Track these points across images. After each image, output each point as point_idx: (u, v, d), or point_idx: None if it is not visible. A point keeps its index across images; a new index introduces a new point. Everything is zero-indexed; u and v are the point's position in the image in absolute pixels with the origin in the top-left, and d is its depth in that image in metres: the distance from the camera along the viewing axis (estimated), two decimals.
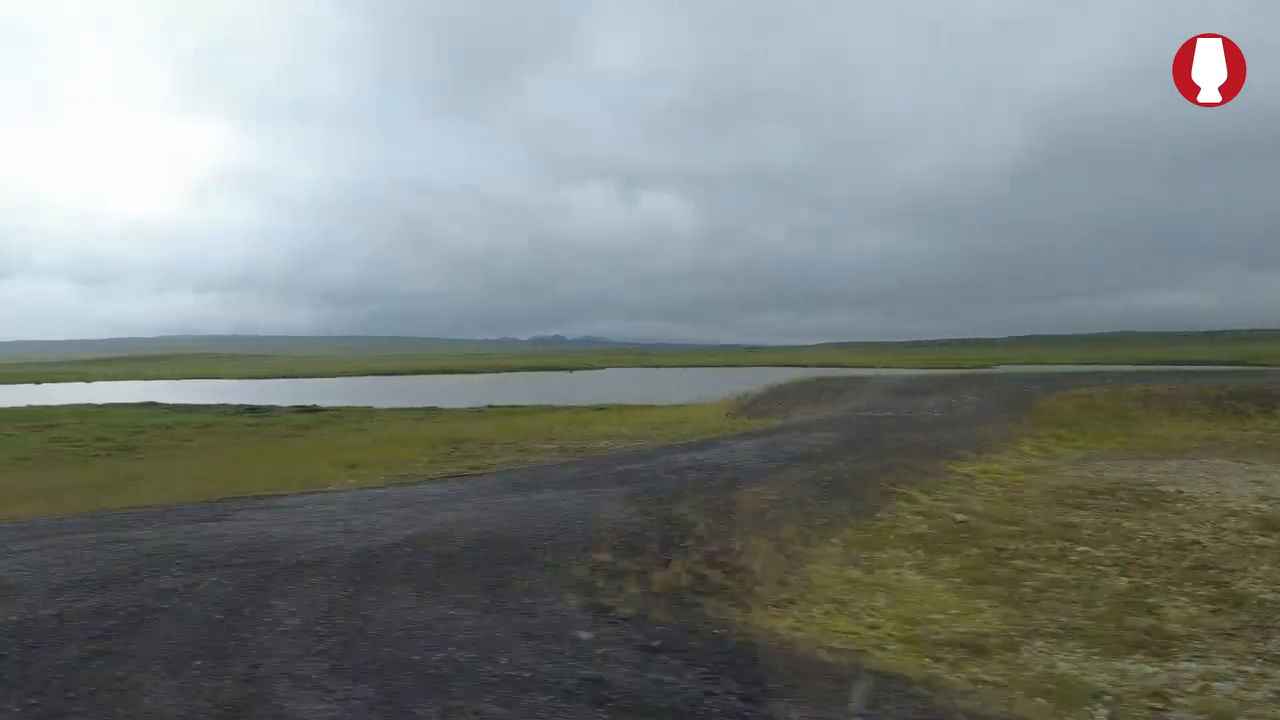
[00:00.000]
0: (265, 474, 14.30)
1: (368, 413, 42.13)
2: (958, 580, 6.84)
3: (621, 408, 37.11)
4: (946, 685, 4.17)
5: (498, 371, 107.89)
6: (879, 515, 8.99)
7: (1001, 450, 14.87)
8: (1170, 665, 4.68)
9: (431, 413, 40.49)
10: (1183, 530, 8.44)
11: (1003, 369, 57.82)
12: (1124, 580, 6.66)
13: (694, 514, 7.52)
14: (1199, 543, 7.88)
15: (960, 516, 9.16)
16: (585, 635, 4.10)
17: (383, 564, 5.39)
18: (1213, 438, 17.60)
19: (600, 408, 38.31)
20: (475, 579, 5.09)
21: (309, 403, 47.82)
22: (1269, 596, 6.13)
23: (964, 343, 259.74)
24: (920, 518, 9.10)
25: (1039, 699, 4.07)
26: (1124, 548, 7.80)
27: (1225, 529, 8.49)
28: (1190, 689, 4.32)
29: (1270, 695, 4.27)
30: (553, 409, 38.67)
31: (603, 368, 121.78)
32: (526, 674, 3.57)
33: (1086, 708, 4.03)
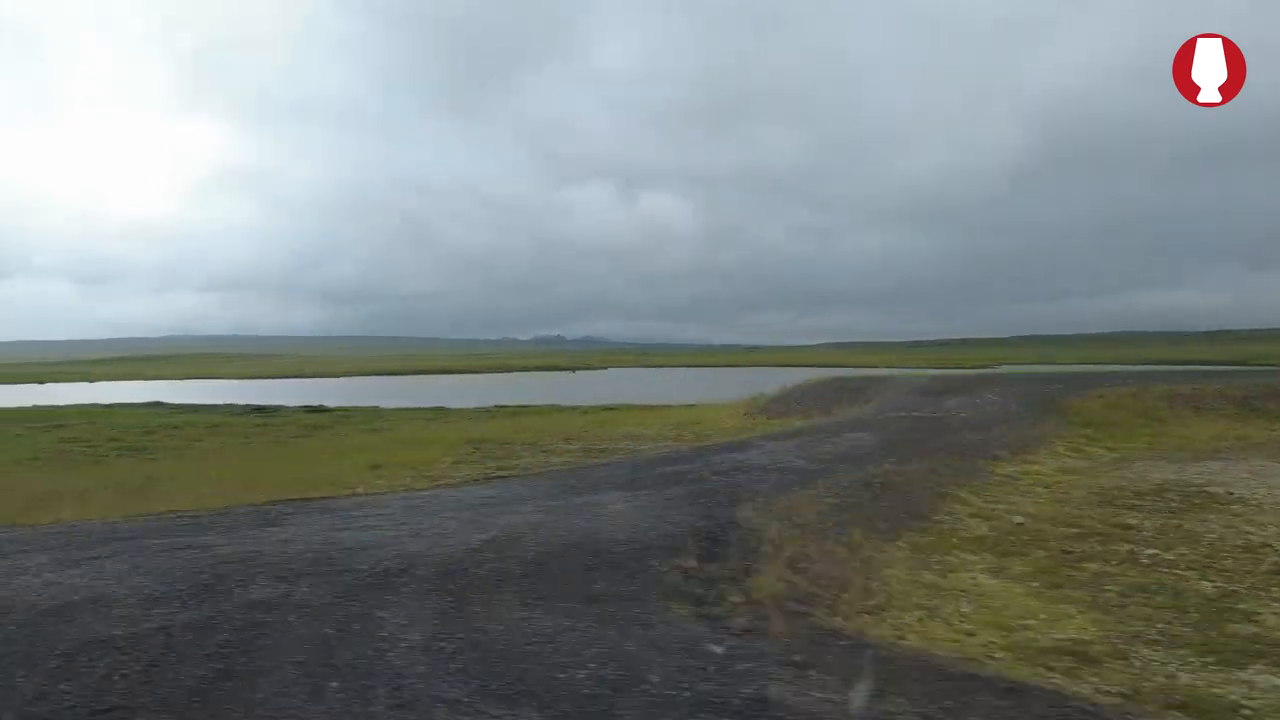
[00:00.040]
0: (290, 475, 14.16)
1: (375, 412, 41.97)
2: (1034, 584, 6.72)
3: (633, 408, 36.95)
4: (1074, 695, 4.04)
5: (499, 371, 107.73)
6: (936, 518, 8.88)
7: (1036, 451, 14.76)
8: None
9: (440, 413, 40.36)
10: (1249, 533, 8.30)
11: (1007, 369, 57.80)
12: (1208, 585, 6.54)
13: (758, 517, 7.40)
14: (1270, 545, 7.75)
15: (1017, 519, 9.04)
16: (717, 649, 3.96)
17: (469, 571, 5.25)
18: (1242, 438, 17.49)
19: (610, 408, 38.16)
20: (571, 586, 4.96)
21: (314, 403, 47.69)
22: None
23: (964, 342, 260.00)
24: (978, 520, 8.98)
25: (1175, 712, 3.94)
26: (1193, 550, 7.68)
27: None
28: None
29: None
30: (562, 409, 38.53)
31: (604, 368, 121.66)
32: (687, 693, 3.42)
33: None
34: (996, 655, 4.81)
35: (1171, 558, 7.43)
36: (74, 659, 3.76)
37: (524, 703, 3.42)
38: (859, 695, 3.38)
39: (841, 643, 4.28)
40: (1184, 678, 4.46)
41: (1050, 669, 4.59)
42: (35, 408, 44.05)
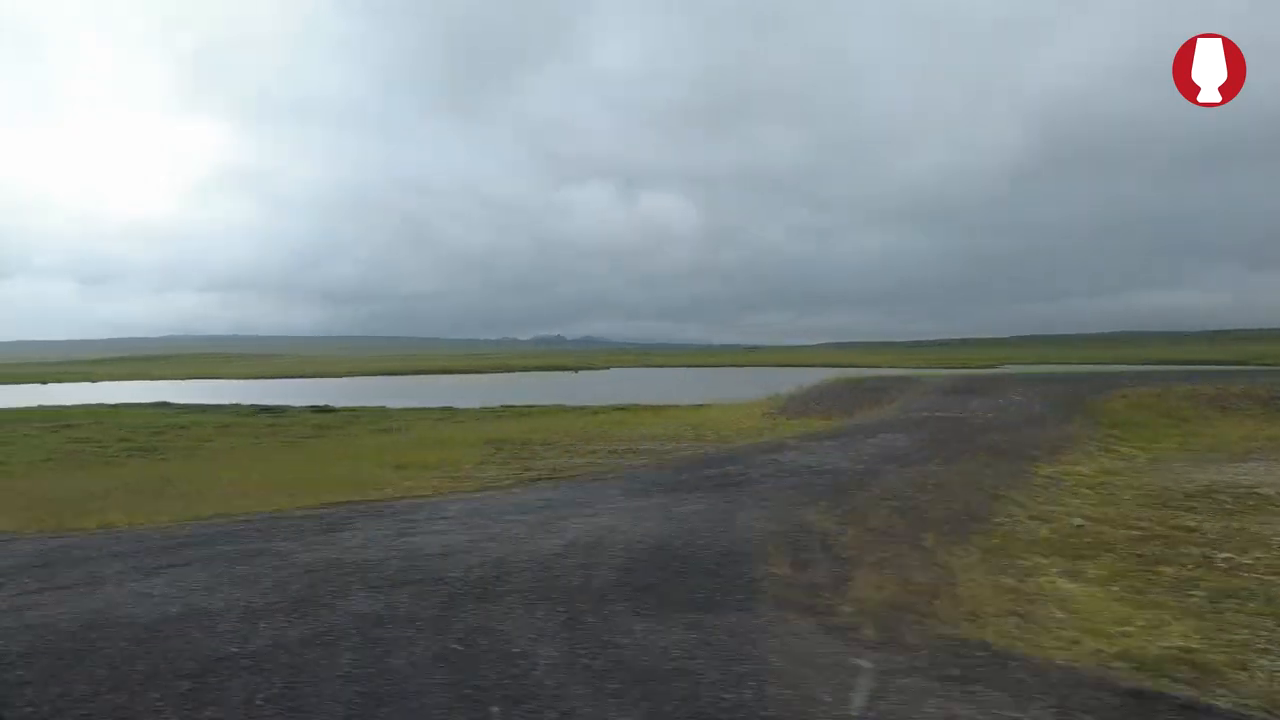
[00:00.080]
0: (320, 476, 13.97)
1: (383, 413, 41.83)
2: (1115, 589, 6.59)
3: (643, 408, 36.75)
4: (1220, 707, 3.91)
5: (501, 372, 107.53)
6: (996, 520, 8.75)
7: (1070, 452, 14.64)
8: None
9: (450, 413, 40.20)
10: None
11: (1022, 369, 57.62)
12: None
13: (827, 521, 7.28)
14: None
15: (1076, 521, 8.92)
16: (865, 664, 3.82)
17: (563, 579, 5.10)
18: (1273, 439, 17.37)
19: (620, 408, 37.96)
20: (676, 596, 4.81)
21: (319, 403, 47.58)
22: None
23: (964, 342, 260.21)
24: (1037, 522, 8.85)
25: None
26: (1268, 554, 7.56)
27: None
28: None
29: None
30: (570, 409, 38.33)
31: (607, 368, 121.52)
32: (872, 714, 3.27)
33: None
34: (1114, 665, 4.68)
35: (1249, 561, 7.30)
36: (204, 679, 3.59)
37: None
38: (1037, 712, 3.24)
39: (979, 654, 4.15)
40: None
41: (1174, 680, 4.46)
42: (41, 408, 43.87)
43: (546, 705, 3.33)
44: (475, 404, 44.24)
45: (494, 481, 11.56)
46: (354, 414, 40.85)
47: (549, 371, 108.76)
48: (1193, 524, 8.98)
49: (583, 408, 39.58)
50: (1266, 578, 6.79)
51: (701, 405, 35.35)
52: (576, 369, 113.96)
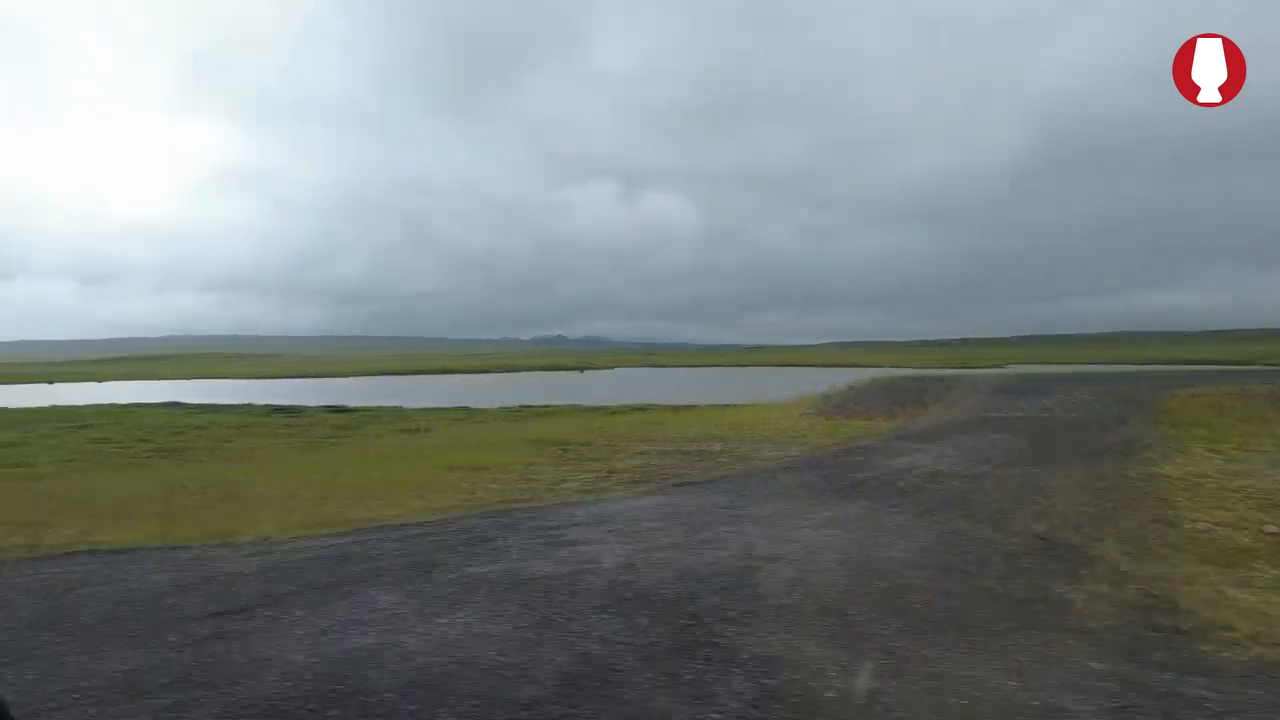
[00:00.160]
0: (385, 480, 13.10)
1: (400, 413, 40.93)
2: None
3: (664, 408, 35.74)
4: None
5: (504, 371, 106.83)
6: (1185, 526, 8.05)
7: (1176, 453, 13.97)
8: None
9: (468, 413, 39.35)
10: None
11: (1014, 369, 57.11)
12: None
13: (1031, 528, 6.55)
14: None
15: (1270, 527, 8.21)
16: (1207, 694, 3.29)
17: (785, 598, 4.39)
18: None
19: (639, 408, 37.08)
20: (932, 617, 4.16)
21: (327, 402, 46.95)
22: None
23: (965, 342, 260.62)
24: (1227, 530, 8.15)
25: None
26: None
27: None
28: None
29: None
30: (587, 409, 37.44)
31: (611, 368, 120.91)
32: None
33: None
34: None
35: None
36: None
37: None
38: None
39: None
40: None
41: None
42: (54, 408, 42.96)
43: None
44: (489, 404, 43.36)
45: (572, 486, 10.77)
46: (371, 414, 39.97)
47: (553, 371, 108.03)
48: None
49: (600, 408, 38.64)
50: None
51: (728, 406, 34.46)
52: (581, 369, 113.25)
